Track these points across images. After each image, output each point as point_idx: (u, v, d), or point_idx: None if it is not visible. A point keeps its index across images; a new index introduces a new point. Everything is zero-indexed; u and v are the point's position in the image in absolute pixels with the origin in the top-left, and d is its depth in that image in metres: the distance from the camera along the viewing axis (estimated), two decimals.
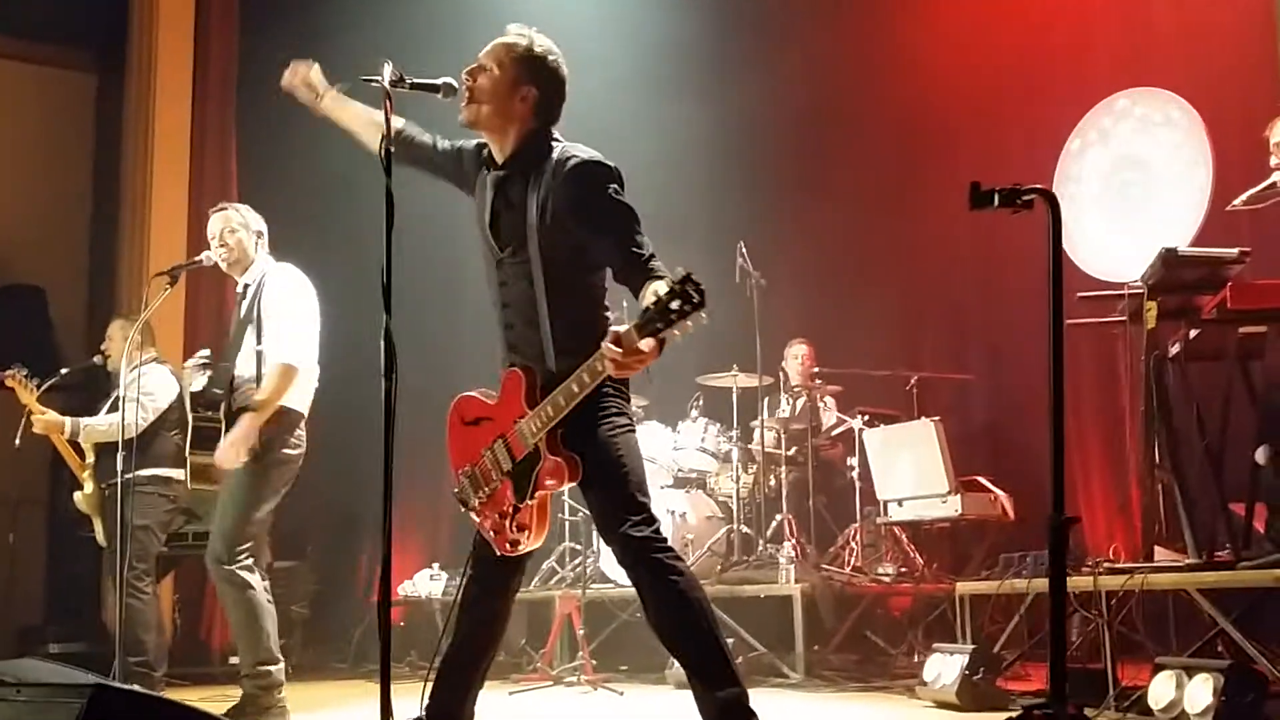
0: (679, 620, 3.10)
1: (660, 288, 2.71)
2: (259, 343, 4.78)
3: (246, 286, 4.97)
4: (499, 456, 3.22)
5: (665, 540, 3.16)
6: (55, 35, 9.05)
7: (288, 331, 4.79)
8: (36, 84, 9.11)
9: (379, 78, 3.07)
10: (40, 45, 9.03)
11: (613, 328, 2.84)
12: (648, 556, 3.11)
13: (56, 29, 8.99)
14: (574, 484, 3.16)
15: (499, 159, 3.28)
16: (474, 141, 3.42)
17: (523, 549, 3.25)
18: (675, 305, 2.63)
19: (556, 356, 3.15)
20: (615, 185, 3.14)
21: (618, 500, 3.15)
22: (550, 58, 3.26)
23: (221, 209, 5.09)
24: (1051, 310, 2.32)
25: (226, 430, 4.72)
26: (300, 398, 4.83)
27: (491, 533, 3.27)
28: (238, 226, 4.97)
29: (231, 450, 4.62)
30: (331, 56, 8.62)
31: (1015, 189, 2.43)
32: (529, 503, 3.17)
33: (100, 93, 9.29)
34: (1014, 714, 2.49)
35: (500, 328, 3.31)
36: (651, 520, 3.15)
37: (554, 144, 3.25)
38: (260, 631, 4.67)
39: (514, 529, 3.21)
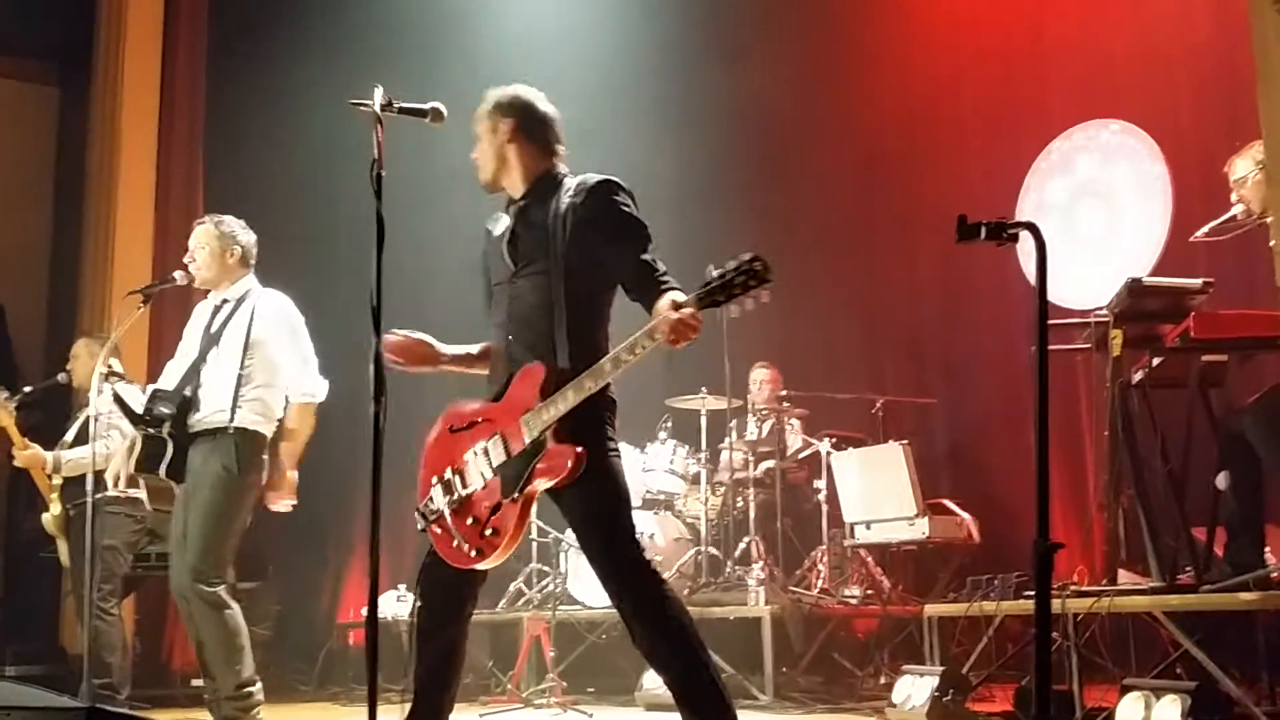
0: (664, 645, 3.12)
1: (728, 263, 2.83)
2: (242, 365, 4.71)
3: (224, 302, 4.89)
4: (492, 452, 3.20)
5: (651, 564, 3.19)
6: (17, 47, 8.96)
7: (302, 367, 4.82)
8: None
9: (369, 102, 3.10)
10: (1, 57, 8.94)
11: (673, 295, 2.94)
12: (635, 580, 3.13)
13: (18, 41, 8.90)
14: (565, 483, 3.12)
15: (517, 195, 3.43)
16: (486, 228, 3.52)
17: (488, 561, 3.20)
18: (740, 279, 2.78)
19: (571, 358, 3.17)
20: (629, 200, 3.30)
21: (604, 524, 3.17)
22: (516, 95, 3.44)
23: (200, 223, 5.01)
24: (1039, 339, 2.38)
25: (175, 451, 4.65)
26: (272, 422, 4.80)
27: (459, 541, 3.21)
28: (206, 243, 4.90)
29: (287, 497, 4.74)
30: (301, 69, 8.71)
31: (1001, 222, 2.49)
32: (515, 498, 3.14)
33: (63, 106, 9.22)
34: None
35: (506, 344, 3.33)
36: (637, 543, 3.18)
37: (565, 177, 3.40)
38: (242, 651, 4.61)
39: (486, 532, 3.17)
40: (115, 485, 4.97)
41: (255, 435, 4.72)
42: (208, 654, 4.65)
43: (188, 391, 4.75)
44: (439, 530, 3.27)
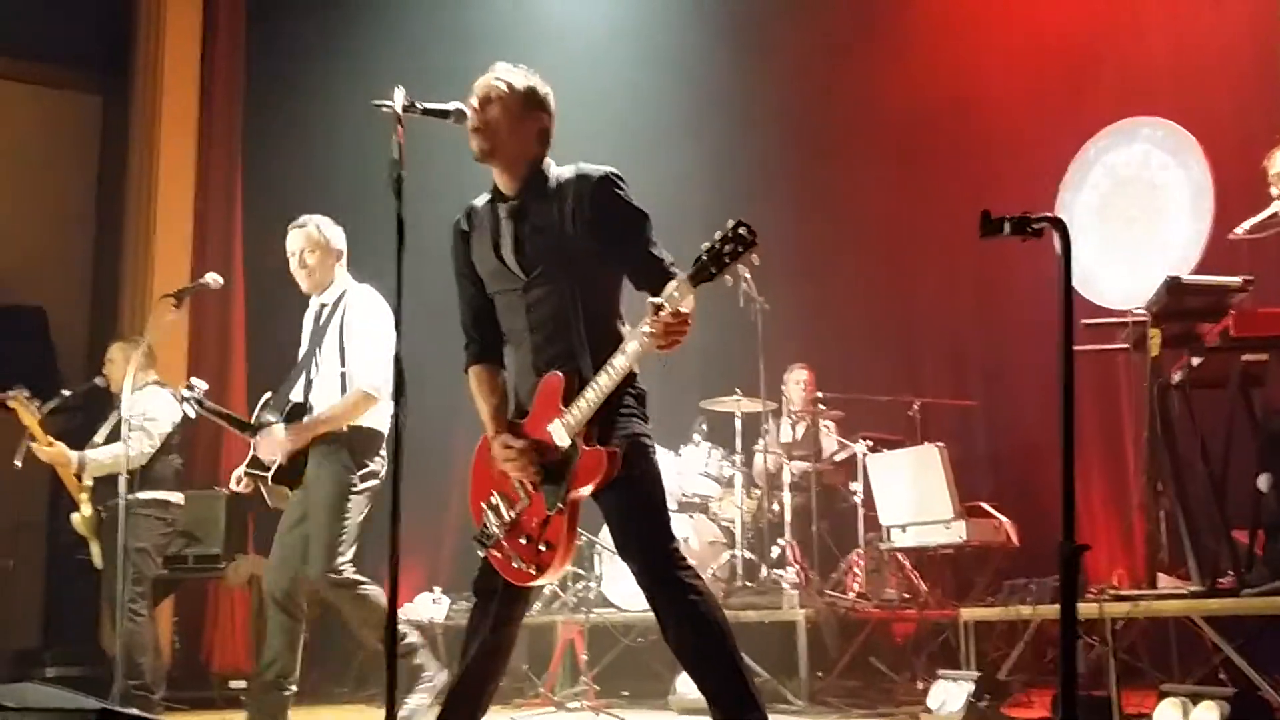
0: (698, 643, 3.10)
1: (714, 234, 2.85)
2: (343, 365, 4.74)
3: (323, 306, 4.90)
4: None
5: (686, 559, 3.17)
6: (60, 56, 9.10)
7: (371, 357, 4.72)
8: (41, 104, 9.15)
9: (390, 103, 3.09)
10: (45, 66, 9.08)
11: (650, 300, 2.92)
12: (668, 574, 3.10)
13: (62, 49, 9.05)
14: (603, 484, 3.09)
15: (509, 190, 3.31)
16: (455, 230, 3.43)
17: (549, 574, 3.21)
18: (728, 248, 2.82)
19: (594, 363, 3.13)
20: (628, 191, 3.26)
21: (640, 516, 3.15)
22: (548, 93, 3.37)
23: (301, 225, 4.92)
24: (1062, 338, 2.33)
25: (282, 462, 4.68)
26: (381, 418, 4.78)
27: (518, 561, 3.21)
28: (317, 246, 4.86)
29: (274, 448, 4.67)
30: (339, 74, 8.74)
31: (1025, 217, 2.45)
32: (560, 508, 3.13)
33: (105, 113, 9.34)
34: None
35: (529, 354, 3.27)
36: (672, 537, 3.17)
37: (553, 167, 3.34)
38: (381, 609, 4.63)
39: (540, 548, 3.17)
40: (237, 484, 4.95)
41: (369, 433, 4.75)
42: (356, 625, 4.81)
43: (297, 396, 4.79)
44: (498, 555, 3.27)
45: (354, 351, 4.77)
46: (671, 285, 2.93)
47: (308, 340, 4.92)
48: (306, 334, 4.95)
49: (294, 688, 4.76)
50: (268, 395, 4.91)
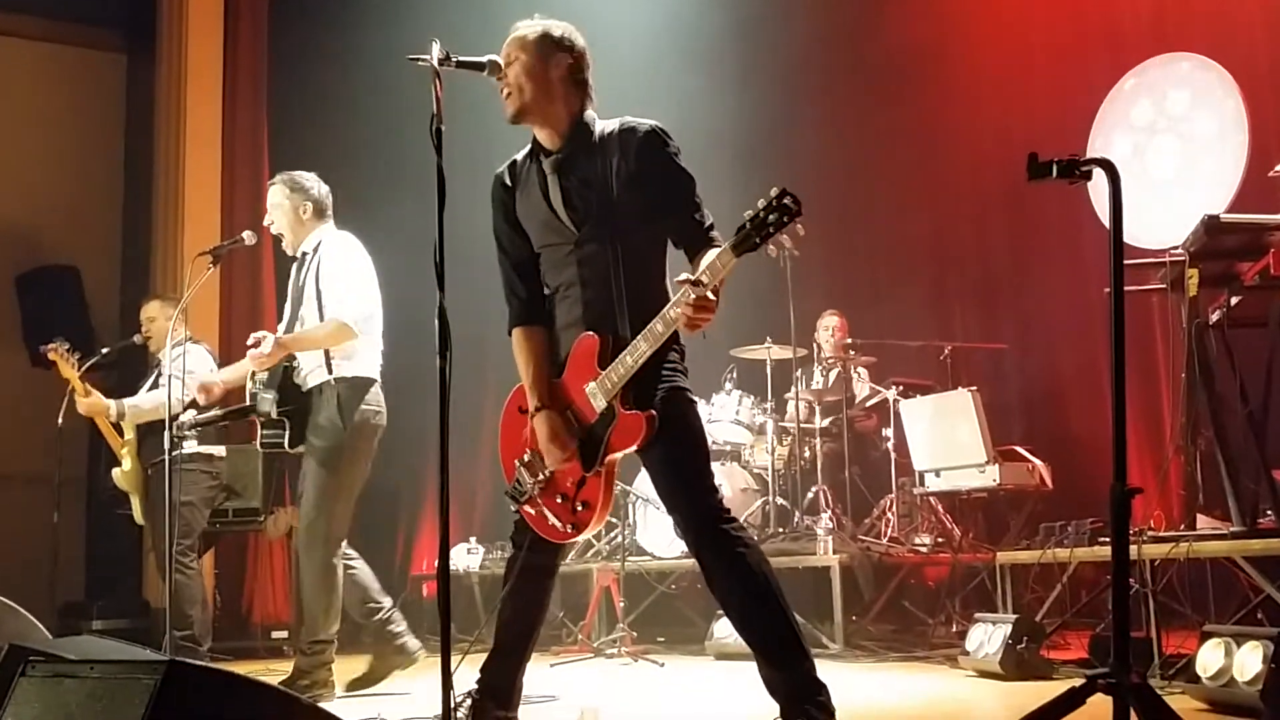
0: (746, 595, 3.09)
1: (758, 203, 2.76)
2: (321, 315, 4.74)
3: (304, 255, 4.91)
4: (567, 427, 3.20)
5: (730, 511, 3.17)
6: (84, 15, 9.10)
7: (344, 292, 4.73)
8: (66, 64, 9.17)
9: (427, 57, 3.08)
10: (69, 25, 9.09)
11: (683, 275, 2.88)
12: (714, 527, 3.11)
13: (85, 9, 9.05)
14: (641, 447, 3.09)
15: (551, 145, 3.26)
16: (497, 184, 3.38)
17: (586, 531, 3.24)
18: (772, 218, 2.72)
19: (631, 323, 3.10)
20: (677, 149, 3.19)
21: (684, 470, 3.15)
22: (572, 32, 3.28)
23: (272, 183, 5.02)
24: (1113, 280, 2.32)
25: (291, 421, 4.69)
26: (370, 363, 4.80)
27: (553, 519, 3.22)
28: (281, 201, 4.91)
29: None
30: (362, 30, 8.67)
31: (1074, 160, 2.42)
32: (598, 469, 3.14)
33: (130, 72, 9.34)
34: (1077, 683, 2.50)
35: (579, 309, 3.22)
36: (716, 490, 3.17)
37: (596, 122, 3.26)
38: (335, 608, 4.73)
39: (577, 508, 3.18)
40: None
41: (356, 381, 4.73)
42: (307, 602, 4.77)
43: (288, 361, 4.77)
44: (531, 510, 3.29)
45: (329, 291, 4.74)
46: (710, 257, 2.90)
47: (290, 294, 4.93)
48: (291, 288, 4.97)
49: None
50: (253, 385, 4.87)
